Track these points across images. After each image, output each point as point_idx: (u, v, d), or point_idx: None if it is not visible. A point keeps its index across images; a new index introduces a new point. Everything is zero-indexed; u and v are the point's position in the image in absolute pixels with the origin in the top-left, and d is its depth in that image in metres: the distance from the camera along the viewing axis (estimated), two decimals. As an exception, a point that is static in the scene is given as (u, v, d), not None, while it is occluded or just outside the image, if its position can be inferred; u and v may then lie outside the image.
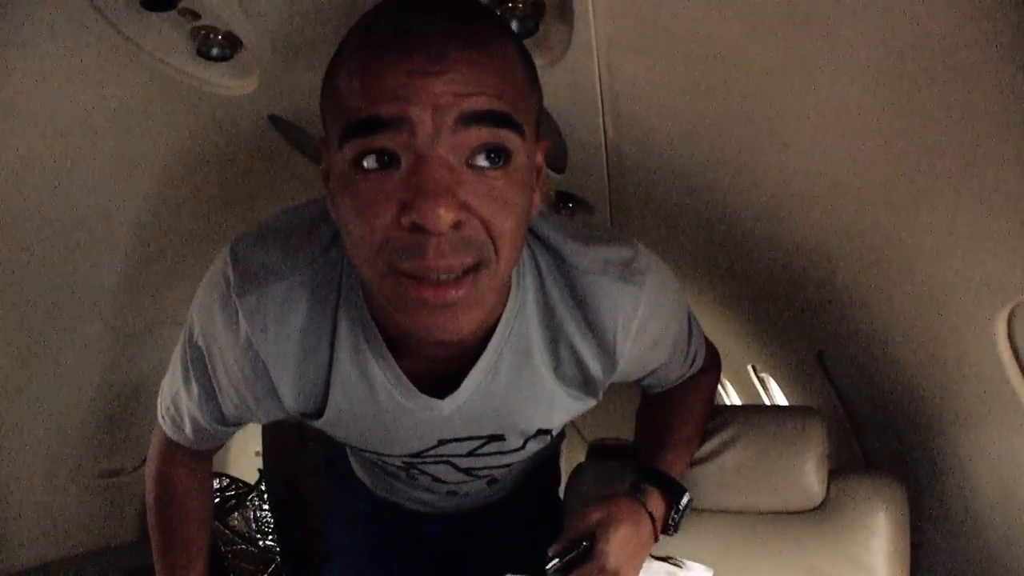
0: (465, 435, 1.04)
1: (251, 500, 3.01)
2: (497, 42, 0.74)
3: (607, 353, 0.96)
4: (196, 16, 1.09)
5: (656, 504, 1.15)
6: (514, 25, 1.04)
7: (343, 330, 0.92)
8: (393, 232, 0.71)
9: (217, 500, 2.94)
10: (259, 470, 3.07)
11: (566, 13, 0.99)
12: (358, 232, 0.73)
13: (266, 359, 0.92)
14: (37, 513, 1.79)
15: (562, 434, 1.50)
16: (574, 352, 0.97)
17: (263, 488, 3.03)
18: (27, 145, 1.26)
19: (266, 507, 3.02)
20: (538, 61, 1.12)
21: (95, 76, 1.17)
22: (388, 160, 0.70)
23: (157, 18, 1.10)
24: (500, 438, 1.06)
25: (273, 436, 2.92)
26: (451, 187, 0.69)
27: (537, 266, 0.94)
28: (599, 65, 1.09)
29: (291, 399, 0.97)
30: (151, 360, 1.96)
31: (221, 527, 2.85)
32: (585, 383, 1.01)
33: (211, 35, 1.13)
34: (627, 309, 0.94)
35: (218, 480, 2.97)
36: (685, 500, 1.17)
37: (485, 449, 1.08)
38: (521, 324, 0.94)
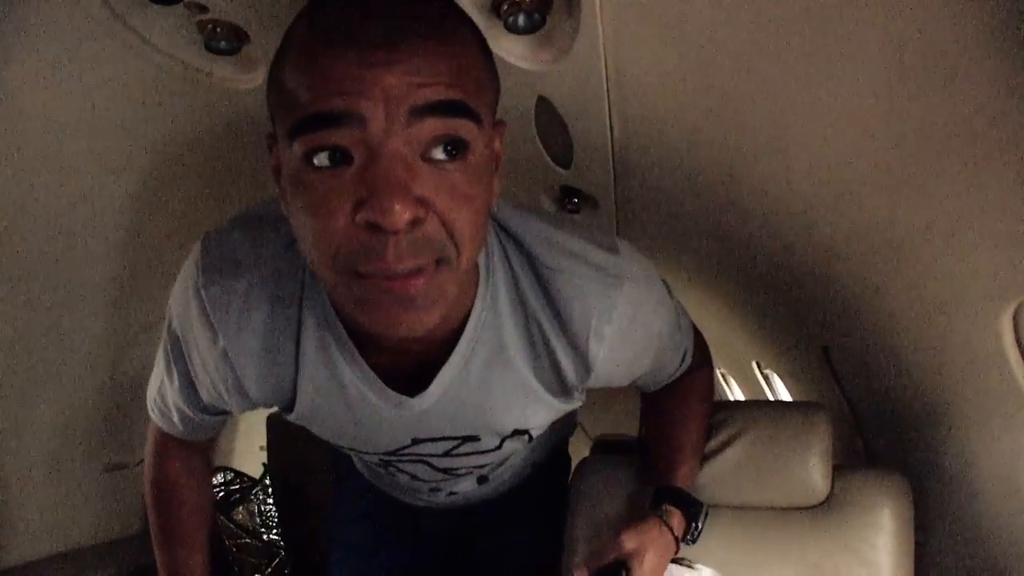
0: (439, 435, 1.03)
1: (255, 494, 3.01)
2: (452, 28, 0.70)
3: (580, 356, 0.94)
4: (203, 9, 1.09)
5: (678, 523, 1.19)
6: (520, 19, 1.04)
7: (308, 327, 0.91)
8: (349, 232, 0.68)
9: (222, 494, 2.94)
10: (263, 464, 3.07)
11: (573, 8, 0.99)
12: (312, 233, 0.70)
13: (230, 351, 0.92)
14: (42, 507, 1.80)
15: (572, 426, 1.51)
16: (550, 351, 0.94)
17: (267, 482, 3.04)
18: (34, 139, 1.26)
19: (270, 501, 3.02)
20: (544, 56, 1.12)
21: (102, 69, 1.17)
22: (340, 157, 0.67)
23: (164, 11, 1.10)
24: (475, 439, 1.05)
25: (278, 431, 2.93)
26: (406, 182, 0.66)
27: (508, 262, 0.91)
28: (606, 60, 1.09)
29: (256, 392, 0.97)
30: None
31: (225, 521, 2.85)
32: (560, 384, 0.98)
33: (218, 28, 1.14)
34: (600, 309, 0.91)
35: (222, 474, 2.97)
36: (703, 516, 1.22)
37: (461, 450, 1.07)
38: (494, 320, 0.92)
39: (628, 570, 1.11)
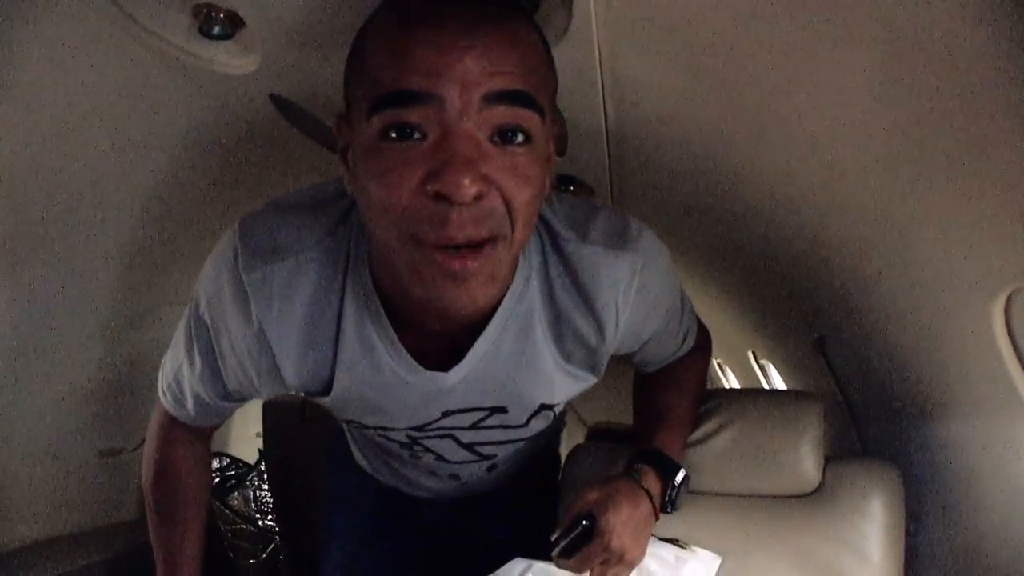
0: (468, 406, 1.05)
1: (251, 480, 3.01)
2: (520, 23, 0.77)
3: (601, 329, 0.99)
4: (198, -7, 1.09)
5: (652, 482, 1.15)
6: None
7: (349, 308, 0.94)
8: (416, 200, 0.74)
9: (217, 480, 2.94)
10: (259, 450, 3.08)
11: (567, -7, 0.99)
12: (380, 198, 0.76)
13: (270, 335, 0.94)
14: (39, 491, 1.81)
15: (562, 421, 1.52)
16: (574, 328, 0.99)
17: (263, 468, 3.04)
18: (31, 123, 1.26)
19: (266, 487, 3.02)
20: (539, 42, 1.12)
21: (98, 54, 1.17)
22: (415, 133, 0.73)
23: (159, -4, 1.10)
24: (503, 410, 1.07)
25: (273, 417, 2.93)
26: (475, 160, 0.73)
27: (541, 245, 0.96)
28: (599, 46, 1.08)
29: (293, 376, 0.98)
30: (152, 340, 1.97)
31: (221, 507, 2.85)
32: (586, 358, 1.03)
33: (213, 13, 1.13)
34: (626, 277, 0.96)
35: (218, 460, 2.97)
36: (680, 476, 1.17)
37: (488, 422, 1.09)
38: (525, 301, 0.96)
39: (593, 519, 1.08)
